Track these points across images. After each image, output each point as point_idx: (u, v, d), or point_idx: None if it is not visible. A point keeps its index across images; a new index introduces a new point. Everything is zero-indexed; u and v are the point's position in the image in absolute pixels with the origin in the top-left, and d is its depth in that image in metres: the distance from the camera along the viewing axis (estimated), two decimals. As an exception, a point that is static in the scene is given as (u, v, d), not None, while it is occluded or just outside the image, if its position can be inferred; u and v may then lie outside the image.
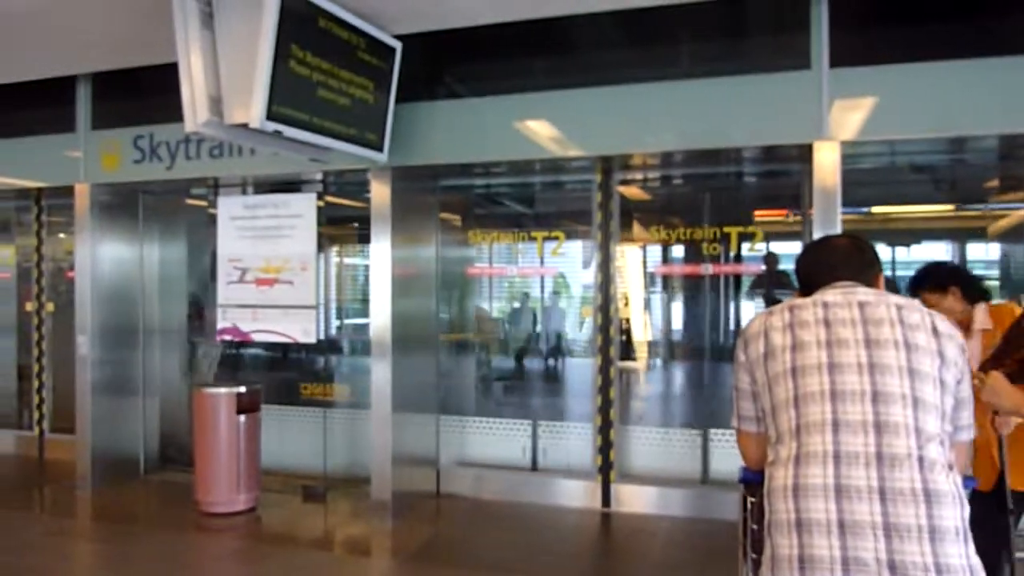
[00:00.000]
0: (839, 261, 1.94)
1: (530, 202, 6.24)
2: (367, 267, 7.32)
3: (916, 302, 1.84)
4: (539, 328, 6.31)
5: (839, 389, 1.66)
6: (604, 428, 5.33)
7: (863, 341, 1.71)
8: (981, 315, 3.13)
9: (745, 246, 5.35)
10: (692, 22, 4.61)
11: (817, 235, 4.22)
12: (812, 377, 1.70)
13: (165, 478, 6.32)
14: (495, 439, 5.85)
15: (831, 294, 1.86)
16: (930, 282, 3.22)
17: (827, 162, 4.25)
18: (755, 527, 2.02)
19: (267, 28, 3.62)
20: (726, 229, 5.29)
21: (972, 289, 3.20)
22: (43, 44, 4.94)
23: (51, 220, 7.08)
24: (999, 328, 2.94)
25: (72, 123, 5.98)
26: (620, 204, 5.43)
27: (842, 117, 4.24)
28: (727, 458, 5.27)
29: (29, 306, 7.11)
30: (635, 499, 5.29)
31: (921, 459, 1.57)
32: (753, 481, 2.02)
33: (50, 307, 7.03)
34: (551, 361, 6.34)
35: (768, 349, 1.80)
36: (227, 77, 3.87)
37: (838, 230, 4.20)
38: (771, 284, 5.50)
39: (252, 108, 3.64)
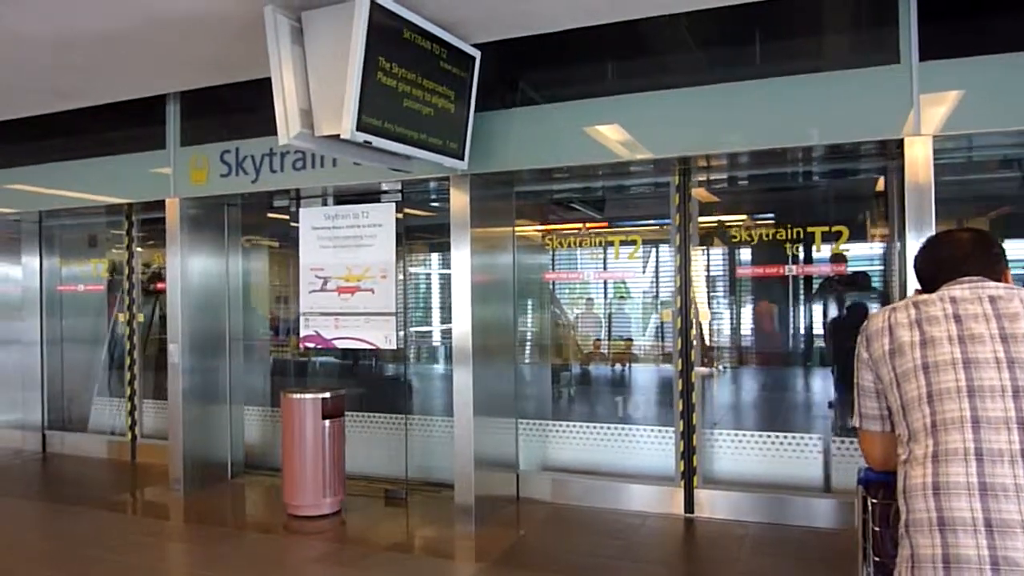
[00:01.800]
0: (964, 255, 1.89)
1: (606, 206, 6.22)
2: (431, 276, 7.52)
3: None
4: (616, 331, 6.28)
5: (976, 385, 1.61)
6: (686, 433, 5.27)
7: (998, 336, 1.66)
8: None
9: (827, 247, 5.23)
10: (772, 19, 4.55)
11: (911, 234, 4.11)
12: (946, 373, 1.65)
13: (252, 482, 6.51)
14: (574, 443, 5.85)
15: (958, 289, 1.81)
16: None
17: (919, 157, 4.13)
18: (877, 528, 1.97)
19: (357, 41, 3.71)
20: (810, 229, 5.18)
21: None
22: (140, 65, 5.16)
23: (141, 234, 7.40)
24: None
25: (162, 140, 6.24)
26: (697, 206, 5.38)
27: (932, 111, 4.12)
28: (809, 464, 5.17)
29: (121, 317, 7.42)
30: (719, 504, 5.21)
31: None
32: (876, 481, 1.98)
33: (140, 318, 7.32)
34: (628, 365, 6.31)
35: (895, 345, 1.77)
36: (317, 90, 3.99)
37: (932, 228, 4.08)
38: (840, 286, 5.39)
39: (343, 120, 3.74)
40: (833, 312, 5.59)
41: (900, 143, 4.22)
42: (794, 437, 5.30)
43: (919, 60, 4.11)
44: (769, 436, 5.34)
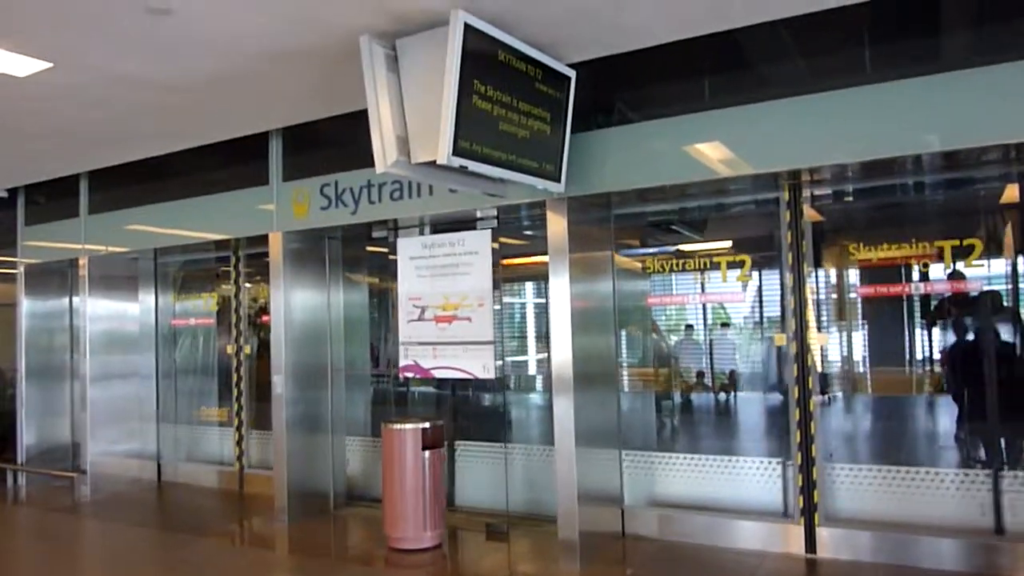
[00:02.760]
0: None
1: (710, 226, 5.96)
2: (524, 305, 7.41)
3: None
4: (721, 358, 5.98)
5: None
6: (805, 466, 4.90)
7: None
8: None
9: (960, 263, 4.80)
10: (881, 20, 4.25)
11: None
12: None
13: (353, 513, 6.50)
14: (682, 476, 5.56)
15: None
16: None
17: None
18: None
19: (452, 66, 3.66)
20: (937, 244, 4.78)
21: None
22: (242, 103, 5.32)
23: (247, 269, 7.62)
24: None
25: (265, 176, 6.41)
26: (810, 224, 5.06)
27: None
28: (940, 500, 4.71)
29: (229, 349, 7.64)
30: (842, 544, 4.80)
31: None
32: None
33: (247, 350, 7.52)
34: (733, 393, 5.98)
35: None
36: (412, 117, 3.97)
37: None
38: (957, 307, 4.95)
39: (440, 145, 3.68)
40: (953, 336, 5.15)
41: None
42: (919, 471, 4.85)
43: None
44: (895, 470, 4.90)
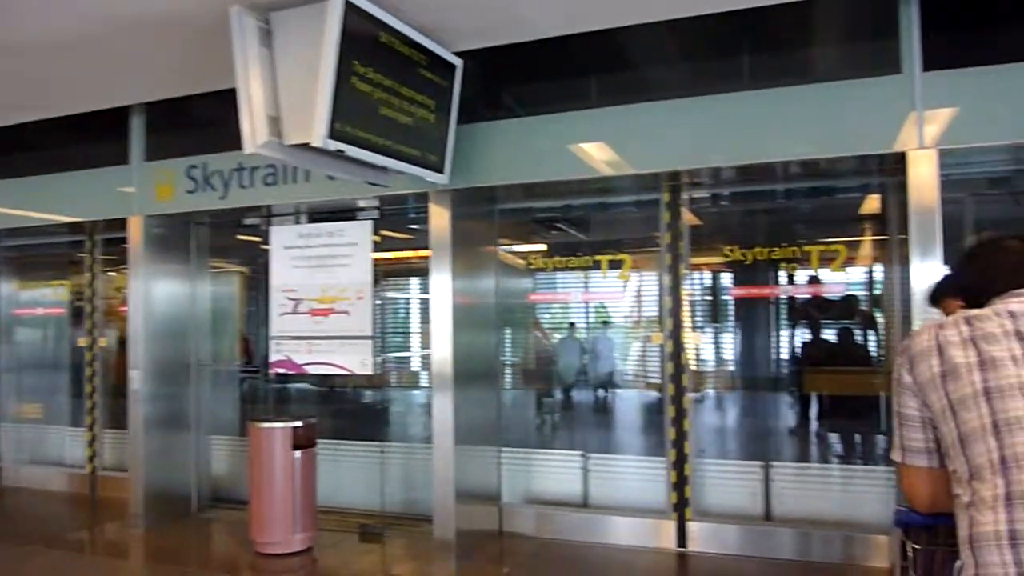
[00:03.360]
0: (1018, 264, 1.66)
1: (593, 225, 6.00)
2: (408, 300, 7.27)
3: None
4: (601, 356, 6.03)
5: None
6: (678, 462, 5.00)
7: None
8: None
9: (824, 268, 5.03)
10: (764, 28, 4.38)
11: (916, 261, 3.90)
12: (1014, 400, 1.41)
13: (217, 516, 6.13)
14: (559, 474, 5.55)
15: (1015, 303, 1.58)
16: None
17: (923, 173, 3.92)
18: (920, 580, 1.71)
19: (329, 44, 3.46)
20: (805, 248, 4.98)
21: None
22: (96, 74, 4.87)
23: (104, 255, 7.05)
24: None
25: (125, 155, 5.94)
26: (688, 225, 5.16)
27: (937, 124, 3.93)
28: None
29: (82, 341, 7.05)
30: (711, 539, 4.93)
31: None
32: (917, 525, 1.72)
33: (103, 342, 6.96)
34: (612, 391, 6.05)
35: (948, 368, 1.52)
36: (286, 96, 3.73)
37: (938, 253, 3.88)
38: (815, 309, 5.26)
39: (314, 126, 3.48)
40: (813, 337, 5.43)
41: (902, 158, 4.03)
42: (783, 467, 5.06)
43: (922, 71, 3.93)
44: (760, 466, 5.08)
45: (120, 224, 6.04)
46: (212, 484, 6.36)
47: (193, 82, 4.99)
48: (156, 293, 5.93)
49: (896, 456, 1.67)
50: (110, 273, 7.10)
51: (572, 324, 6.11)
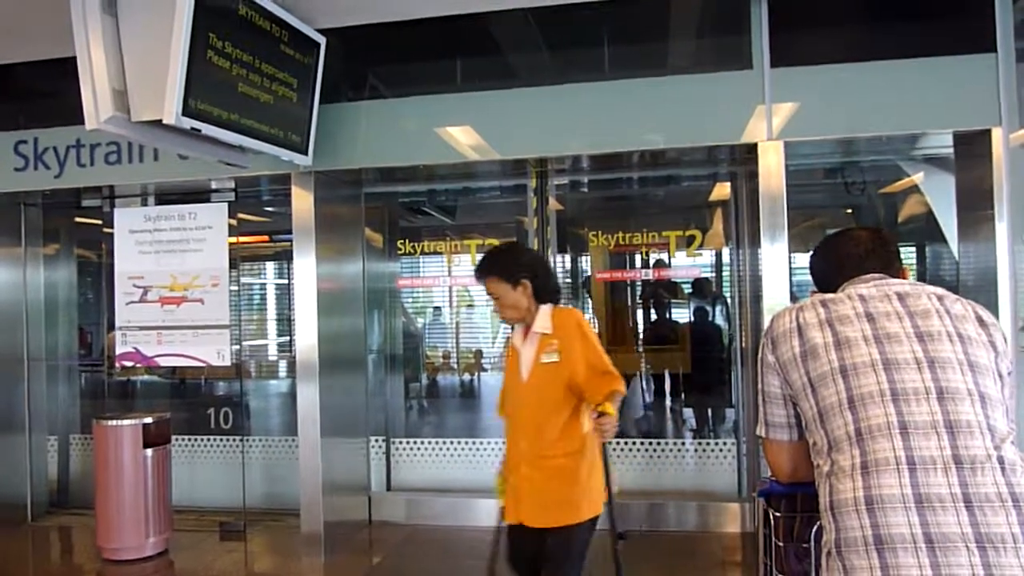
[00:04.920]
0: (865, 252, 1.80)
1: (460, 210, 5.99)
2: (264, 286, 7.00)
3: (950, 293, 1.69)
4: (465, 341, 6.05)
5: (899, 388, 1.49)
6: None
7: (914, 335, 1.56)
8: (544, 318, 2.81)
9: (681, 252, 5.29)
10: (625, 20, 4.51)
11: (767, 244, 4.16)
12: (867, 376, 1.52)
13: (58, 523, 5.65)
14: (427, 460, 5.53)
15: (863, 287, 1.70)
16: (499, 269, 2.83)
17: (772, 164, 4.19)
18: (780, 544, 1.83)
19: (182, 14, 3.23)
20: (665, 234, 5.21)
21: (546, 288, 2.87)
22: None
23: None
24: (559, 334, 2.76)
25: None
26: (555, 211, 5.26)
27: (784, 117, 4.20)
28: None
29: None
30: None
31: (1001, 460, 1.41)
32: (779, 494, 1.83)
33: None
34: (478, 375, 6.10)
35: (807, 347, 1.62)
36: (133, 69, 3.44)
37: (785, 237, 4.15)
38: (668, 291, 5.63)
39: (166, 103, 3.24)
40: (654, 317, 5.72)
41: (753, 148, 4.28)
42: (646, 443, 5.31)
43: (771, 67, 4.17)
44: (628, 443, 5.30)
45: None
46: (51, 488, 5.86)
47: (22, 48, 4.52)
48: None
49: (760, 431, 1.78)
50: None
51: (437, 308, 6.08)
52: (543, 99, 4.52)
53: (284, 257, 6.43)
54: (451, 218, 6.04)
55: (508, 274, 2.81)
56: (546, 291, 2.87)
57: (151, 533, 4.79)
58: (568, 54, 4.84)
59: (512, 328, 2.96)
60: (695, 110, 4.33)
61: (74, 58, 3.43)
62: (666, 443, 5.30)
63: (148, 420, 4.82)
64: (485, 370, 6.07)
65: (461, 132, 4.64)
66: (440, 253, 5.71)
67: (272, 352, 6.93)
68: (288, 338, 6.45)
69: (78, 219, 6.11)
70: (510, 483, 2.86)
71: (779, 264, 4.15)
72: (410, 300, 6.08)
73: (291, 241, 4.80)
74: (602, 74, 4.61)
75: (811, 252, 1.93)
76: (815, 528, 1.67)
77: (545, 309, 2.84)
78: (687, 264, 5.44)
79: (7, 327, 5.57)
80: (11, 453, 5.55)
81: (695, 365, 5.63)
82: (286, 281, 6.57)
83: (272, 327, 7.10)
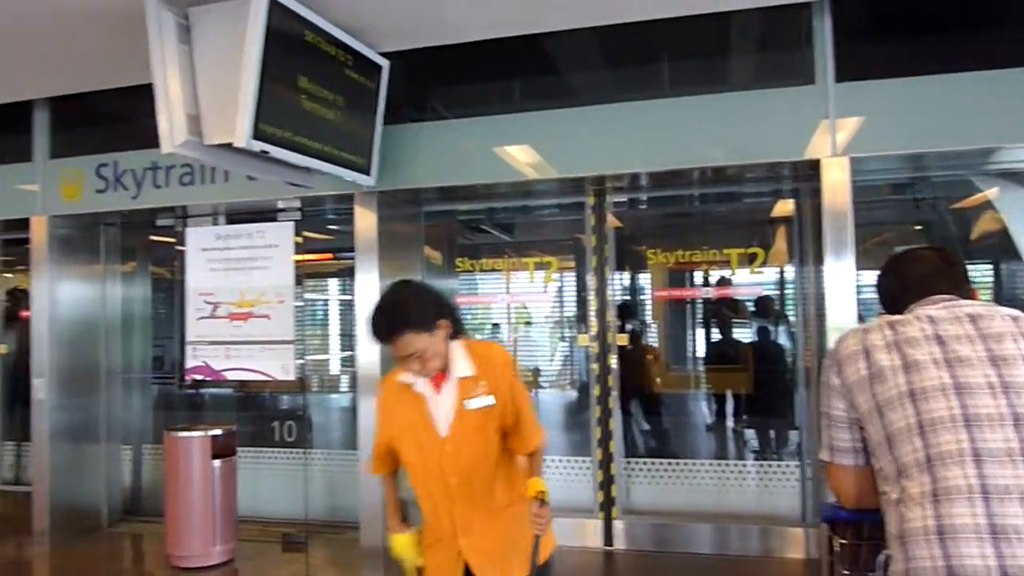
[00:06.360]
0: (933, 272, 1.76)
1: (518, 228, 6.03)
2: (326, 303, 7.13)
3: None
4: (524, 358, 6.06)
5: (972, 413, 1.45)
6: (605, 462, 5.07)
7: (987, 359, 1.51)
8: (461, 359, 2.32)
9: (743, 270, 5.21)
10: (684, 36, 4.49)
11: (831, 262, 4.07)
12: (937, 401, 1.48)
13: (130, 530, 5.86)
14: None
15: (932, 308, 1.66)
16: (414, 320, 2.18)
17: (836, 180, 4.10)
18: (846, 573, 1.79)
19: (252, 42, 3.36)
20: (726, 251, 5.14)
21: (459, 321, 2.37)
22: (3, 65, 4.60)
23: (3, 257, 6.64)
24: (485, 373, 2.30)
25: (28, 152, 5.60)
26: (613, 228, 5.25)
27: (848, 132, 4.12)
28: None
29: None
30: (636, 536, 5.02)
31: None
32: (844, 520, 1.79)
33: (2, 349, 6.55)
34: (536, 391, 6.10)
35: (874, 370, 1.59)
36: (206, 94, 3.59)
37: (851, 255, 4.06)
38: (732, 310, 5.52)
39: (237, 127, 3.37)
40: (715, 336, 5.65)
41: (815, 164, 4.20)
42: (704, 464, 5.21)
43: (835, 81, 4.11)
44: (683, 464, 5.22)
45: (22, 224, 5.70)
46: (124, 497, 6.08)
47: (104, 76, 4.76)
48: (62, 297, 5.62)
49: (824, 455, 1.74)
50: (7, 275, 6.69)
51: (496, 325, 6.11)
52: (602, 117, 4.54)
53: (344, 274, 6.55)
54: (509, 236, 6.08)
55: (423, 322, 2.19)
56: (458, 323, 2.37)
57: (217, 542, 4.92)
58: (626, 71, 4.85)
59: (405, 376, 2.32)
60: (756, 126, 4.28)
61: (150, 85, 3.60)
62: (728, 465, 5.21)
63: (216, 432, 4.97)
64: (543, 387, 6.06)
65: (520, 151, 4.69)
66: (498, 271, 5.75)
67: (333, 367, 7.06)
68: (348, 353, 6.56)
69: (152, 238, 6.35)
70: (436, 562, 2.38)
71: (844, 283, 4.06)
72: (468, 317, 6.13)
73: (352, 258, 4.90)
74: (661, 91, 4.60)
75: (879, 272, 1.89)
76: (883, 558, 1.62)
77: (457, 348, 2.32)
78: (749, 282, 5.35)
79: (87, 341, 5.82)
80: (88, 462, 5.78)
81: (757, 385, 5.52)
82: (346, 297, 6.69)
83: (333, 342, 7.23)
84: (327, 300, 7.26)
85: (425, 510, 2.40)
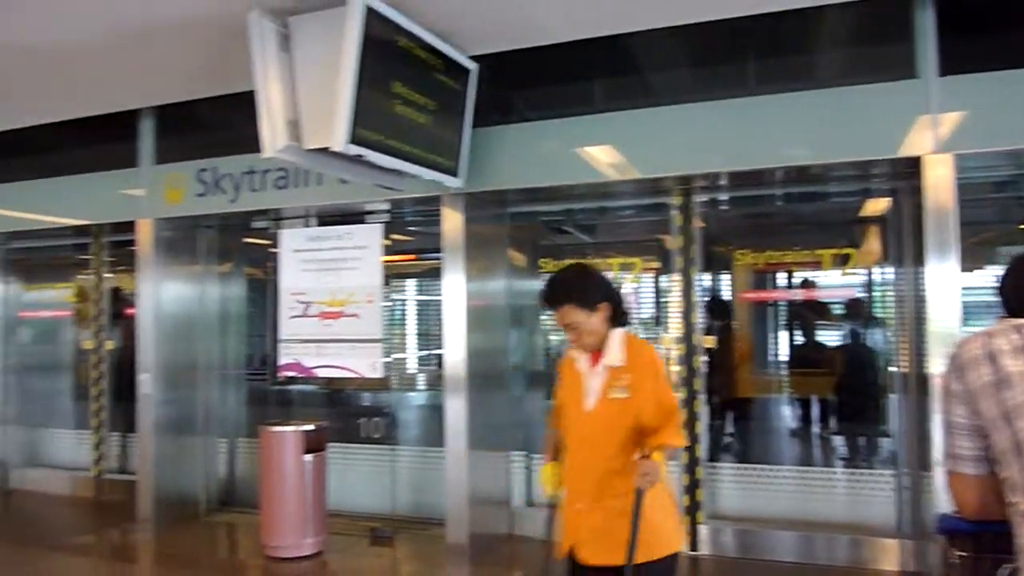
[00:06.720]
0: None
1: (600, 229, 6.01)
2: (405, 302, 7.25)
3: None
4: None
5: None
6: (690, 466, 5.00)
7: None
8: (616, 348, 2.60)
9: (835, 271, 5.06)
10: (773, 32, 4.40)
11: (933, 263, 3.92)
12: None
13: (226, 520, 6.11)
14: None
15: (1062, 312, 1.59)
16: (575, 296, 2.58)
17: (940, 177, 3.94)
18: (965, 586, 1.72)
19: (349, 49, 3.46)
20: (818, 252, 5.00)
21: (621, 310, 2.67)
22: (110, 78, 4.87)
23: (110, 258, 7.02)
24: (632, 368, 2.56)
25: (134, 158, 5.92)
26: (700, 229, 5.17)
27: (952, 128, 3.95)
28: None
29: (88, 344, 7.01)
30: (721, 541, 4.94)
31: None
32: (964, 532, 1.73)
33: (109, 345, 6.92)
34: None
35: (1000, 376, 1.53)
36: (305, 100, 3.73)
37: (954, 256, 3.90)
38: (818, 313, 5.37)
39: (335, 131, 3.48)
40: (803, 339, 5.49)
41: (916, 161, 4.05)
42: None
43: (938, 75, 3.95)
44: (771, 469, 5.11)
45: (127, 227, 6.02)
46: (220, 488, 6.34)
47: (206, 85, 4.99)
48: (165, 296, 5.92)
49: (947, 465, 1.68)
50: (115, 276, 7.06)
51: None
52: (686, 116, 4.49)
53: (426, 275, 6.66)
54: (591, 236, 6.07)
55: (584, 300, 2.57)
56: (622, 314, 2.67)
57: (309, 534, 5.08)
58: (712, 69, 4.77)
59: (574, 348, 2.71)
60: (851, 123, 4.16)
61: (245, 92, 3.75)
62: (816, 472, 5.07)
63: (308, 428, 5.13)
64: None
65: (603, 152, 4.69)
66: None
67: (416, 365, 7.18)
68: (431, 352, 6.67)
69: (246, 240, 6.61)
70: (565, 514, 2.66)
71: (947, 284, 3.90)
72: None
73: (434, 259, 4.99)
74: (748, 89, 4.51)
75: (1002, 273, 1.81)
76: (1008, 572, 1.56)
77: (617, 336, 2.63)
78: (840, 284, 5.19)
79: (186, 338, 6.10)
80: (188, 454, 6.06)
81: (847, 390, 5.36)
82: (428, 297, 6.81)
83: (417, 341, 7.36)
84: (408, 300, 7.39)
85: (569, 468, 2.69)
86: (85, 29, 4.07)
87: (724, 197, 5.36)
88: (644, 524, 2.47)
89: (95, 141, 6.14)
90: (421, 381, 6.97)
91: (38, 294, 7.78)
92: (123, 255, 6.81)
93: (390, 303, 5.86)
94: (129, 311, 6.78)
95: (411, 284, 7.29)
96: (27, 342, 7.72)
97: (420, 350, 7.26)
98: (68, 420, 7.37)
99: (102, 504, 6.69)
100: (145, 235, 5.83)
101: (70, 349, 7.52)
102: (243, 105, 3.89)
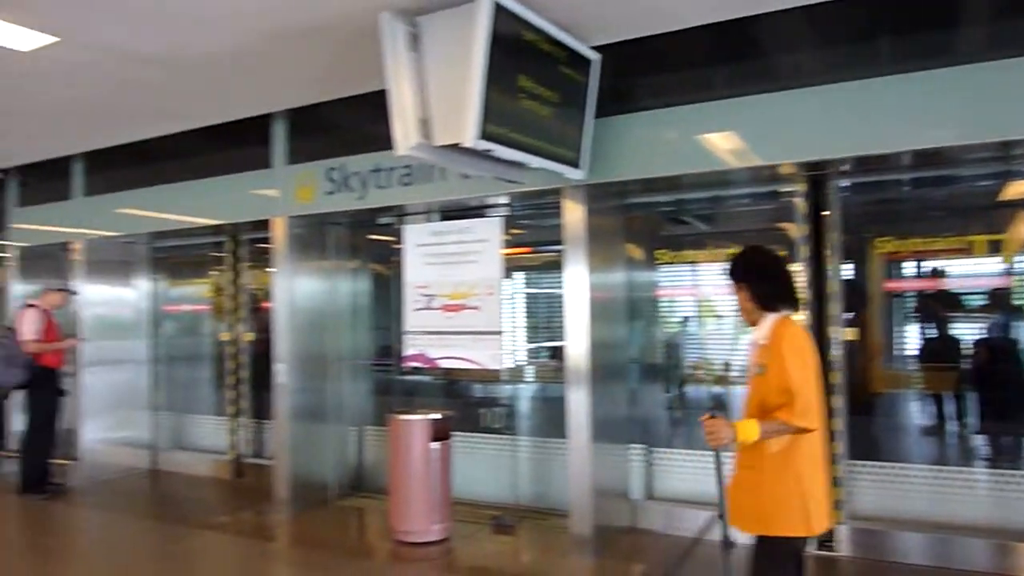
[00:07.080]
0: None
1: (720, 218, 5.87)
2: (525, 295, 7.29)
3: None
4: (725, 353, 5.88)
5: None
6: (829, 465, 4.80)
7: None
8: (765, 328, 2.82)
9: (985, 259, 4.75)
10: (915, 7, 4.15)
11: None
12: None
13: (355, 504, 6.37)
14: (686, 472, 5.45)
15: None
16: (730, 270, 3.00)
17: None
18: None
19: (478, 46, 3.53)
20: (967, 239, 4.70)
21: (763, 294, 2.85)
22: (249, 83, 5.15)
23: (245, 254, 7.44)
24: (771, 348, 2.76)
25: (267, 159, 6.24)
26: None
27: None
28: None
29: (226, 336, 7.46)
30: (862, 543, 4.73)
31: None
32: None
33: (247, 337, 7.34)
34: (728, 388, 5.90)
35: None
36: (435, 98, 3.82)
37: None
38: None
39: (465, 128, 3.55)
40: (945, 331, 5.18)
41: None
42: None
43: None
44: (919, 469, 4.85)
45: (260, 225, 6.37)
46: (350, 473, 6.62)
47: (335, 87, 5.20)
48: (299, 290, 6.22)
49: None
50: (251, 271, 7.48)
51: (693, 318, 5.98)
52: (812, 99, 4.30)
53: (545, 268, 6.69)
54: (709, 226, 5.94)
55: (734, 276, 2.94)
56: (766, 298, 2.85)
57: (435, 520, 5.23)
58: (840, 49, 4.54)
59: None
60: (997, 101, 3.87)
61: (372, 93, 3.88)
62: (956, 472, 4.79)
63: (435, 416, 5.28)
64: (736, 383, 5.86)
65: (725, 139, 4.56)
66: (697, 263, 5.64)
67: (537, 357, 7.23)
68: (550, 344, 6.70)
69: (372, 235, 6.85)
70: None
71: None
72: (667, 309, 6.05)
73: (551, 252, 5.00)
74: (878, 68, 4.25)
75: None
76: None
77: (770, 318, 2.83)
78: (988, 272, 4.86)
79: (317, 330, 6.39)
80: (320, 440, 6.35)
81: (993, 386, 5.02)
82: (544, 290, 6.84)
83: (536, 334, 7.41)
84: (525, 292, 7.45)
85: None
86: (226, 39, 4.31)
87: (855, 182, 5.12)
88: (765, 497, 2.70)
89: (231, 145, 6.51)
90: (538, 373, 7.02)
91: (181, 290, 8.36)
92: (256, 252, 7.22)
93: (509, 296, 5.92)
94: (263, 305, 7.19)
95: (529, 277, 7.34)
96: (172, 334, 8.32)
97: (538, 342, 7.32)
98: (208, 407, 7.88)
99: (238, 486, 7.13)
100: (279, 232, 6.14)
101: (209, 341, 8.03)
102: (369, 105, 4.03)
